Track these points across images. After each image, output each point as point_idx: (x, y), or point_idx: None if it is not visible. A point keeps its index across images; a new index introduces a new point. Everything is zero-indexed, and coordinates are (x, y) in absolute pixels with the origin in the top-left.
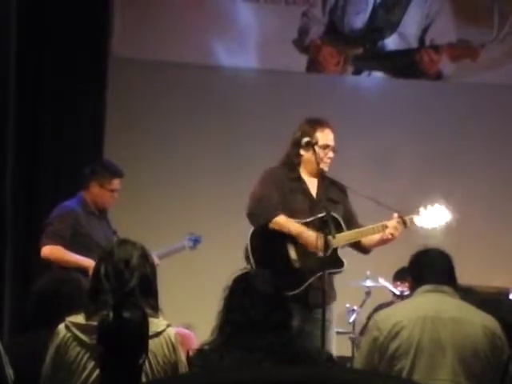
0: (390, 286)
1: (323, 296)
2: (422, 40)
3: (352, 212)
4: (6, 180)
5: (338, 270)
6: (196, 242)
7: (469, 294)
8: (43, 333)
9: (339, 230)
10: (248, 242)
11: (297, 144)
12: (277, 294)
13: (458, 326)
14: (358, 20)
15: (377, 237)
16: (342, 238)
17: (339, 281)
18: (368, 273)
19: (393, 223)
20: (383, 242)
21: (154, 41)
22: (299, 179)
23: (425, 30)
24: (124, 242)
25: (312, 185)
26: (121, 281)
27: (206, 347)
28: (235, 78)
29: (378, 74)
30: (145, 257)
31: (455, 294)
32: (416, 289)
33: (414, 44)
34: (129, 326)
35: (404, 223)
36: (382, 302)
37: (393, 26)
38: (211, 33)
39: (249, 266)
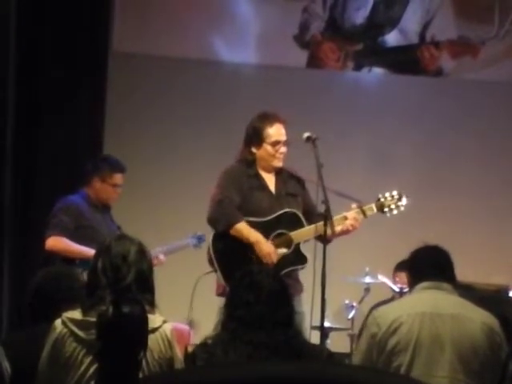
0: (389, 283)
1: (323, 290)
2: (422, 36)
3: (312, 203)
4: (5, 177)
5: (302, 266)
6: (200, 240)
7: (468, 291)
8: (41, 327)
9: (299, 225)
10: (210, 245)
11: (248, 142)
12: (282, 290)
13: (456, 322)
14: (359, 16)
15: (338, 228)
16: (302, 234)
17: (338, 277)
18: (367, 269)
19: (352, 214)
20: (344, 233)
21: (154, 35)
22: (257, 176)
23: (425, 26)
24: (121, 238)
25: (270, 180)
26: (118, 276)
27: (210, 341)
28: (235, 74)
29: (378, 70)
30: (142, 252)
31: (454, 291)
32: (415, 285)
33: (415, 40)
34: (128, 321)
35: (363, 213)
36: (381, 299)
37: (393, 22)
38: (211, 28)
39: (212, 269)
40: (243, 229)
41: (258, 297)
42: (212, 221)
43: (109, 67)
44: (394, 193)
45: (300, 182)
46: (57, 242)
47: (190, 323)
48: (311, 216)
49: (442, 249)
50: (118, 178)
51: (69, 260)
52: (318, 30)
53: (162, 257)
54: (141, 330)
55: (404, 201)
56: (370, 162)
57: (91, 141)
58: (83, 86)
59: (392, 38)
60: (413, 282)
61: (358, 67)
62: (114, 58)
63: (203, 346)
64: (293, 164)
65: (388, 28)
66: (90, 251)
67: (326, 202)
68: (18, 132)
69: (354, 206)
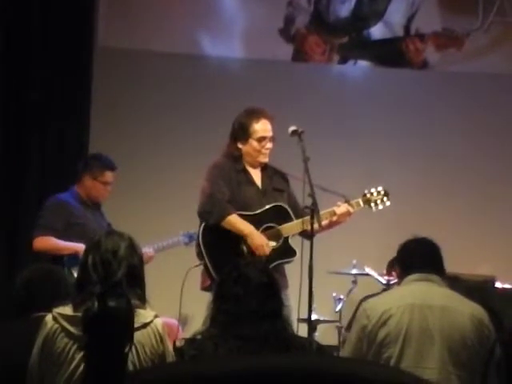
0: (376, 275)
1: (310, 283)
2: (407, 29)
3: (296, 199)
4: None
5: (291, 259)
6: (191, 238)
7: (455, 282)
8: (27, 320)
9: (288, 218)
10: (200, 238)
11: (234, 137)
12: (270, 283)
13: (446, 314)
14: (344, 9)
15: (324, 222)
16: (291, 228)
17: (325, 269)
18: (354, 261)
19: (341, 209)
20: (330, 227)
21: (139, 31)
22: (244, 171)
23: (410, 19)
24: (111, 233)
25: (256, 176)
26: (108, 271)
27: (199, 337)
28: (221, 68)
29: (363, 63)
30: (132, 247)
31: (443, 283)
32: (404, 277)
33: (400, 33)
34: (114, 315)
35: (351, 207)
36: (368, 291)
37: (378, 15)
38: (197, 22)
39: (202, 262)
40: (236, 221)
41: (246, 290)
42: (203, 214)
43: (94, 63)
44: (380, 188)
45: (284, 177)
46: (43, 242)
47: (181, 317)
48: (295, 211)
49: (432, 241)
50: (108, 175)
51: (57, 258)
52: (303, 23)
53: (148, 250)
54: (126, 324)
55: (389, 197)
56: (357, 155)
57: (78, 138)
58: (69, 83)
59: (377, 31)
60: (402, 274)
61: (343, 60)
62: (99, 54)
63: (191, 341)
64: (278, 158)
65: (373, 21)
66: (78, 245)
67: (312, 195)
68: (5, 131)
69: (339, 203)
